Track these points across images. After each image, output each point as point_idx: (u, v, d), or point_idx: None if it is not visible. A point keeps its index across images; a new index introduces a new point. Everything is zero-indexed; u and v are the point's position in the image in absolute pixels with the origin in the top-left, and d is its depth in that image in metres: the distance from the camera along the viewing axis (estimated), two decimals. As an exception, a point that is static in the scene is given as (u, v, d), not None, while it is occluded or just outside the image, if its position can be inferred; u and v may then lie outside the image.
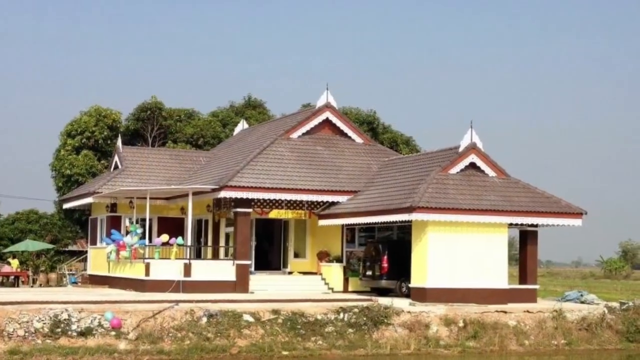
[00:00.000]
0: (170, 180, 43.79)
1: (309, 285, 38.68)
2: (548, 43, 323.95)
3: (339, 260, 39.28)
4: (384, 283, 35.82)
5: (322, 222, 38.62)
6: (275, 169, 38.05)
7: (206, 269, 36.82)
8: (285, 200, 37.98)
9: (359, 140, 41.98)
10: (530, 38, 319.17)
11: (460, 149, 35.12)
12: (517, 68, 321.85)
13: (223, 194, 36.43)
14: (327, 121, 41.53)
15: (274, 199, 37.69)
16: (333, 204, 38.36)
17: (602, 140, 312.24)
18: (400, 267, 35.25)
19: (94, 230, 45.54)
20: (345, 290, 38.75)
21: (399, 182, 35.96)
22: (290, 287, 38.01)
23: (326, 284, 39.06)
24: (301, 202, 38.43)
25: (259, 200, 37.50)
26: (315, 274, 40.16)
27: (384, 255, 35.68)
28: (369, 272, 36.51)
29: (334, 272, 39.03)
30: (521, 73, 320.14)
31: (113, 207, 42.74)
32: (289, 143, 40.10)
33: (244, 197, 36.69)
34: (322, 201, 38.42)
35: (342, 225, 38.93)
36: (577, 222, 35.41)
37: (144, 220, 41.85)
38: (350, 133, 41.93)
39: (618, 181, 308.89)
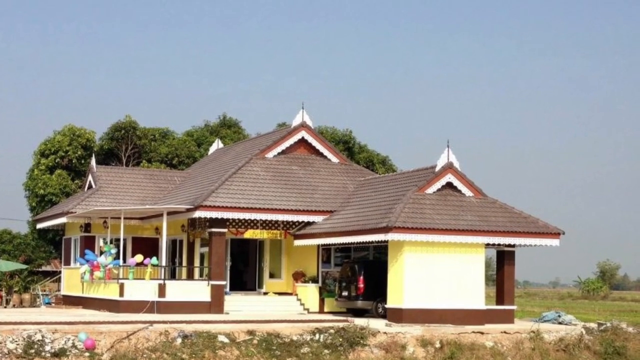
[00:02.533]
0: (145, 200, 43.75)
1: (285, 306, 38.79)
2: (524, 63, 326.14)
3: (314, 280, 39.32)
4: (360, 304, 35.91)
5: (298, 242, 38.68)
6: (251, 189, 38.09)
7: (181, 290, 36.83)
8: (261, 220, 37.98)
9: (334, 159, 42.07)
10: (506, 58, 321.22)
11: (437, 169, 35.24)
12: (493, 88, 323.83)
13: (198, 214, 36.43)
14: (302, 140, 41.61)
15: (249, 219, 37.65)
16: (309, 223, 38.43)
17: (580, 161, 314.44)
18: (377, 288, 35.37)
19: (67, 251, 45.47)
20: (321, 311, 38.81)
21: (375, 202, 36.07)
22: (266, 307, 38.07)
23: (302, 304, 39.10)
24: (276, 222, 38.48)
25: (234, 220, 37.49)
26: (290, 294, 40.21)
27: (360, 276, 35.78)
28: (345, 293, 36.58)
29: (310, 293, 39.05)
30: (497, 93, 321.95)
31: (87, 227, 42.70)
32: (264, 162, 40.17)
33: (219, 217, 36.69)
34: (297, 221, 38.48)
35: (318, 246, 38.98)
36: (554, 242, 35.54)
37: (118, 240, 41.97)
38: (326, 152, 42.01)
39: (596, 201, 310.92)
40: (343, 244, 36.63)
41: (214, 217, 36.65)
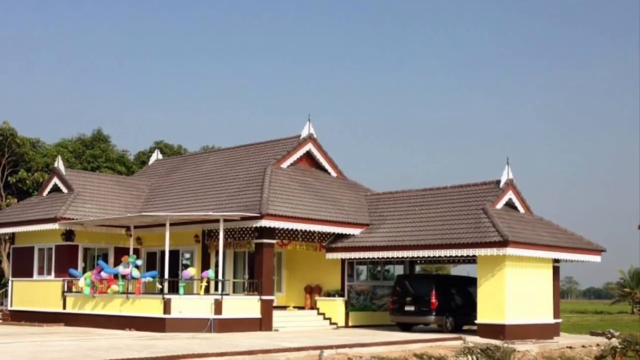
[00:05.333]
0: (127, 207, 33.07)
1: (315, 321, 30.36)
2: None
3: (340, 294, 31.04)
4: (432, 319, 28.36)
5: (334, 255, 30.28)
6: (296, 199, 29.29)
7: (235, 306, 27.18)
8: (301, 231, 29.32)
9: (333, 173, 33.89)
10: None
11: (501, 185, 28.71)
12: (470, 98, 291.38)
13: (264, 222, 27.07)
14: (307, 153, 33.09)
15: (294, 230, 28.91)
16: (339, 236, 30.29)
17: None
18: (447, 303, 28.24)
19: (27, 261, 33.12)
20: (347, 325, 30.72)
21: (439, 215, 28.65)
22: (304, 323, 29.63)
23: (326, 319, 30.70)
24: (313, 233, 29.95)
25: (280, 230, 28.54)
26: (303, 308, 31.62)
27: (432, 291, 28.24)
28: (411, 308, 28.71)
29: (337, 307, 30.78)
30: (473, 105, 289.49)
31: (69, 234, 31.20)
32: (284, 173, 31.28)
33: (274, 226, 27.68)
34: (330, 233, 30.21)
35: (343, 260, 30.87)
36: (597, 258, 30.23)
37: (101, 250, 31.68)
38: (327, 166, 33.73)
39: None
40: (411, 257, 28.98)
41: (272, 226, 27.59)
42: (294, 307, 31.60)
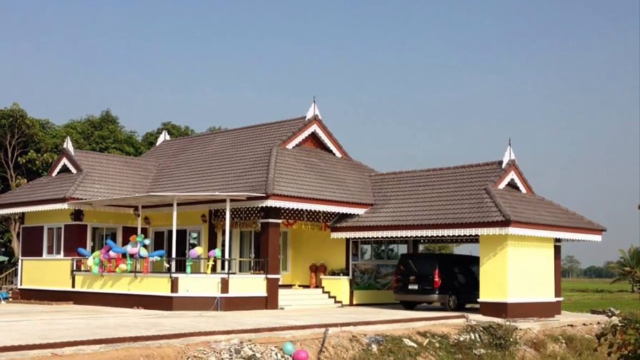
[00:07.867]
0: (135, 187, 33.01)
1: (320, 300, 30.35)
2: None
3: (345, 273, 31.03)
4: (436, 297, 28.30)
5: (338, 235, 30.21)
6: (301, 179, 29.17)
7: (241, 285, 27.18)
8: (306, 210, 29.24)
9: (338, 154, 33.75)
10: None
11: (504, 165, 28.55)
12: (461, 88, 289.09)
13: (270, 202, 27.01)
14: (312, 134, 32.95)
15: (299, 209, 28.80)
16: (345, 215, 30.21)
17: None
18: (450, 281, 28.21)
19: (37, 240, 33.12)
20: (351, 304, 30.74)
21: (442, 195, 28.54)
22: (310, 302, 29.60)
23: (331, 297, 30.71)
24: (318, 212, 29.90)
25: (286, 210, 28.48)
26: (308, 286, 31.63)
27: (435, 270, 28.19)
28: (415, 287, 28.66)
29: (342, 286, 30.77)
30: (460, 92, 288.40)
31: (78, 214, 31.18)
32: (289, 154, 31.15)
33: (280, 206, 27.61)
34: (335, 212, 30.14)
35: (347, 239, 30.85)
36: (597, 238, 30.11)
37: (109, 229, 31.68)
38: (332, 147, 33.56)
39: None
40: (413, 237, 28.89)
41: (278, 206, 27.52)
42: (300, 286, 31.68)
